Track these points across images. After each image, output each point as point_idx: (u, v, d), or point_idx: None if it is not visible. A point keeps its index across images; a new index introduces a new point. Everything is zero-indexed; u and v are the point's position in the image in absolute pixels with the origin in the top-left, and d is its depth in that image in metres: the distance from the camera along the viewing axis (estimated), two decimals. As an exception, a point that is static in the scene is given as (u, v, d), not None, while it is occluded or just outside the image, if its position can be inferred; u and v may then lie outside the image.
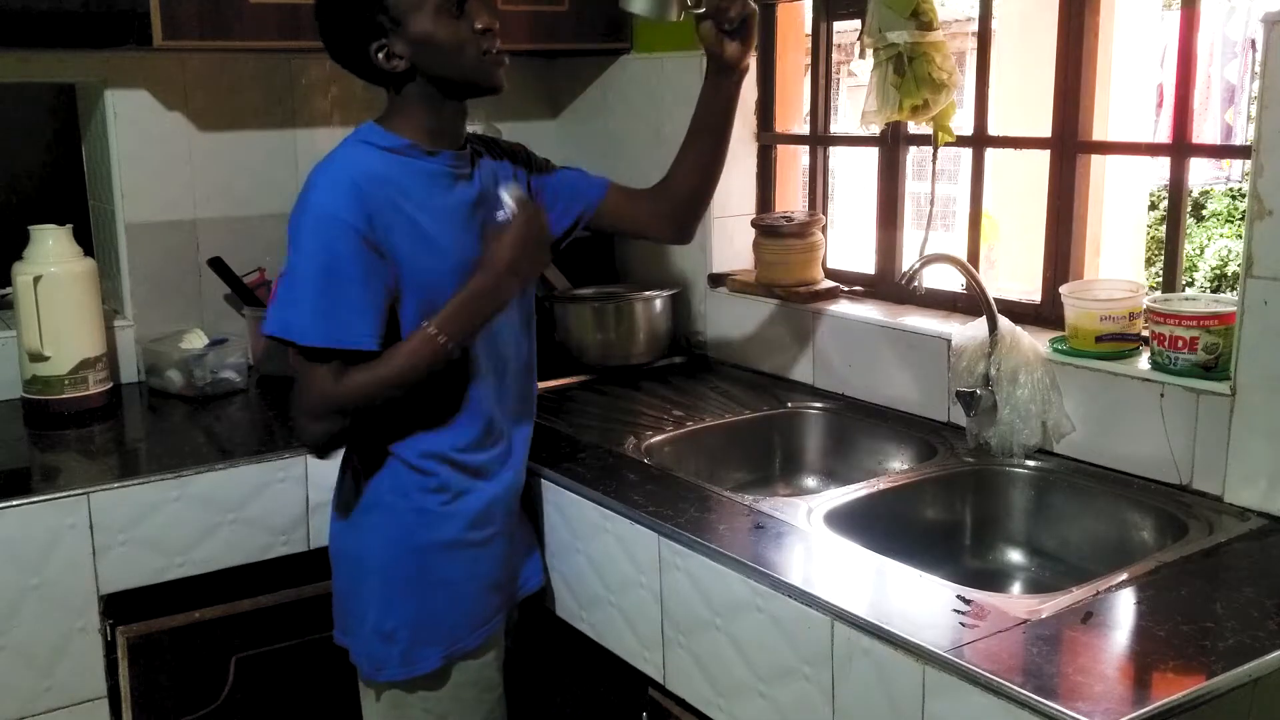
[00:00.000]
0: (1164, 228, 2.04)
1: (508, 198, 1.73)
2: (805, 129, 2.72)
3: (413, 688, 1.77)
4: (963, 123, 2.29)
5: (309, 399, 1.63)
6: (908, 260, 2.33)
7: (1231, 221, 6.93)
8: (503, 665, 1.88)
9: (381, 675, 1.77)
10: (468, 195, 1.75)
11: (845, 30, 2.74)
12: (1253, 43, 5.59)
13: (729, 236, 2.70)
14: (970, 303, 2.20)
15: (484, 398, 1.77)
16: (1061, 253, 2.14)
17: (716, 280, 2.69)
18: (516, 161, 1.89)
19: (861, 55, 2.27)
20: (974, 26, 2.35)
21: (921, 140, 2.34)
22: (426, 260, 1.67)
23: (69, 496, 1.91)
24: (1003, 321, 2.02)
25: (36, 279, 2.29)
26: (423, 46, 1.65)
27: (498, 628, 1.84)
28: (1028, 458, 1.99)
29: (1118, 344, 1.94)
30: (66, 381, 2.33)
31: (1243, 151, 1.88)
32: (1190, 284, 6.48)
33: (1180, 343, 1.81)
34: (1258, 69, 2.02)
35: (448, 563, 1.76)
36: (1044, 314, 2.15)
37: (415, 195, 1.67)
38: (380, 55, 1.65)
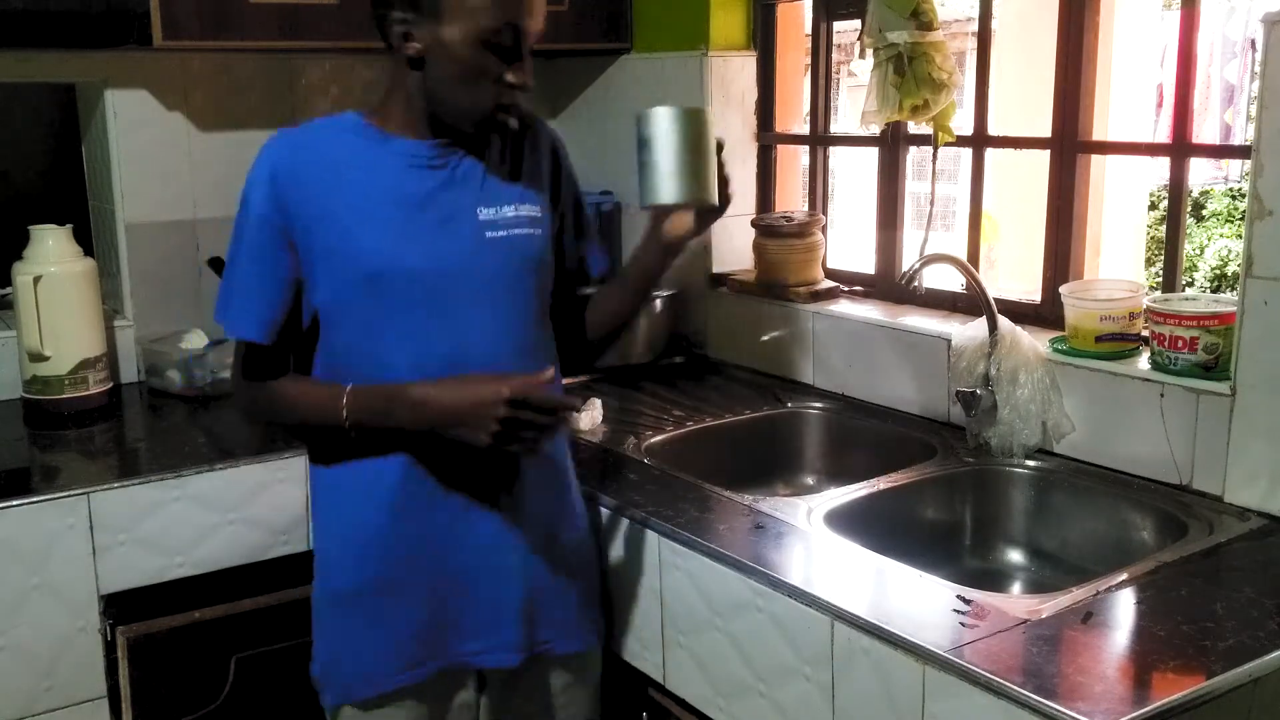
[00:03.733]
0: (1164, 228, 2.04)
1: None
2: (805, 129, 2.73)
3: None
4: (963, 123, 2.29)
5: (233, 373, 1.67)
6: (908, 260, 2.33)
7: (1231, 221, 6.93)
8: None
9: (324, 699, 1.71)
10: (435, 188, 1.56)
11: (845, 30, 2.74)
12: (1253, 43, 5.59)
13: (729, 236, 2.71)
14: (970, 303, 2.20)
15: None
16: (1061, 253, 2.14)
17: (716, 280, 2.69)
18: (551, 159, 1.70)
19: (861, 55, 2.27)
20: (974, 26, 2.35)
21: (921, 140, 2.34)
22: (340, 255, 1.54)
23: (69, 496, 1.90)
24: (1003, 321, 2.02)
25: (36, 279, 2.29)
26: (442, 54, 1.50)
27: (403, 686, 1.63)
28: (1028, 458, 1.99)
29: (1118, 344, 1.94)
30: (66, 381, 2.33)
31: (1242, 151, 1.88)
32: (1190, 284, 6.47)
33: (1180, 343, 1.81)
34: (1258, 69, 2.02)
35: (345, 610, 1.64)
36: (1044, 314, 2.15)
37: (351, 177, 1.54)
38: (398, 28, 1.50)
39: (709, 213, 1.67)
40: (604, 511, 1.85)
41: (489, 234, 1.59)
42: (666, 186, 1.54)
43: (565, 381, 2.53)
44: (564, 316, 1.76)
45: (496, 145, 1.63)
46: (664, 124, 1.52)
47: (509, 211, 1.60)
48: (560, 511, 1.72)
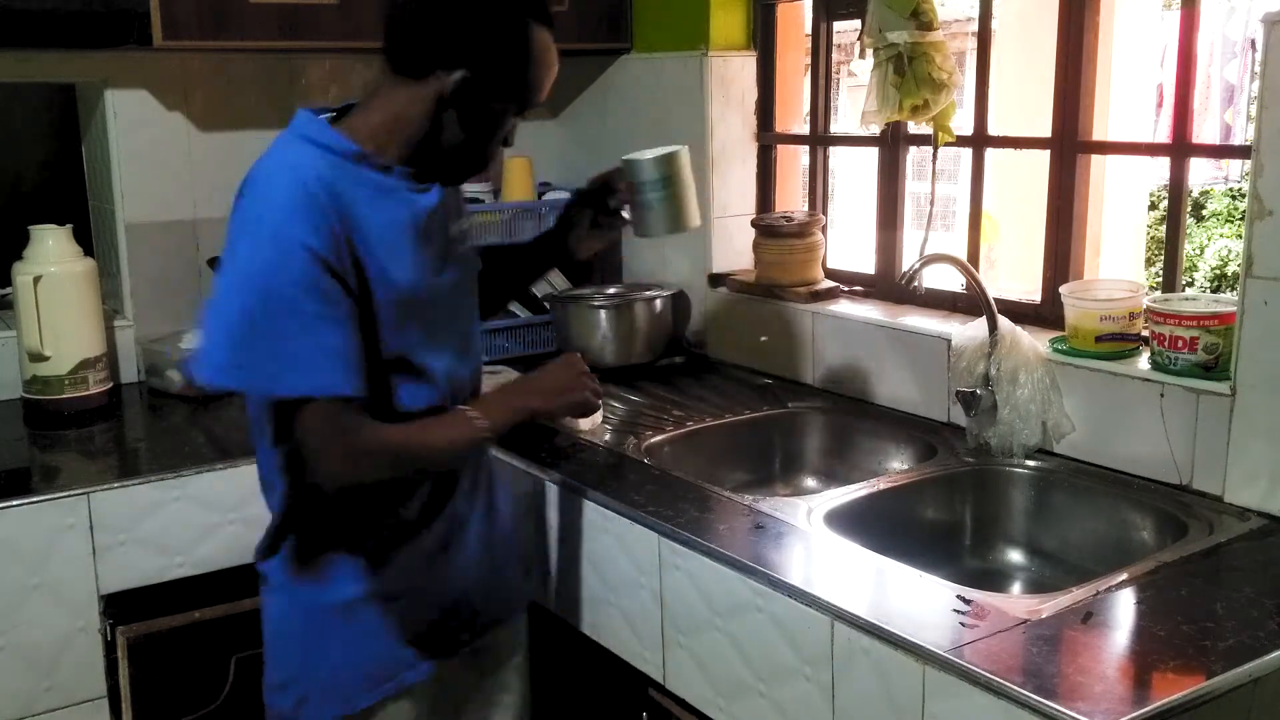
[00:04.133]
0: (1164, 228, 2.04)
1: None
2: (805, 129, 2.73)
3: None
4: (963, 123, 2.29)
5: (318, 446, 1.47)
6: (908, 260, 2.33)
7: (1231, 221, 6.93)
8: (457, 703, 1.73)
9: None
10: (427, 201, 1.55)
11: (845, 30, 2.74)
12: (1253, 43, 5.59)
13: (729, 236, 2.71)
14: (970, 303, 2.20)
15: None
16: (1061, 253, 2.14)
17: (716, 280, 2.69)
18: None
19: (861, 55, 2.27)
20: (974, 26, 2.35)
21: (921, 140, 2.34)
22: (383, 286, 1.49)
23: (69, 496, 1.91)
24: (1003, 321, 2.02)
25: (36, 279, 2.29)
26: (476, 115, 1.51)
27: (409, 686, 1.62)
28: (1028, 458, 1.99)
29: (1118, 344, 1.94)
30: (66, 381, 2.33)
31: (1242, 151, 1.88)
32: (1190, 284, 6.47)
33: (1180, 343, 1.81)
34: (1258, 69, 2.02)
35: (341, 621, 1.59)
36: (1044, 314, 2.15)
37: (368, 216, 1.48)
38: (455, 86, 1.48)
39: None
40: (604, 511, 1.85)
41: (460, 248, 1.67)
42: (658, 224, 1.75)
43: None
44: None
45: None
46: (648, 173, 1.71)
47: (464, 225, 1.70)
48: (506, 495, 1.83)
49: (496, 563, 1.74)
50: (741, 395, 2.44)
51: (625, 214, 1.78)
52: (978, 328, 2.06)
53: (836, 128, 2.72)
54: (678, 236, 2.74)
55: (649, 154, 1.72)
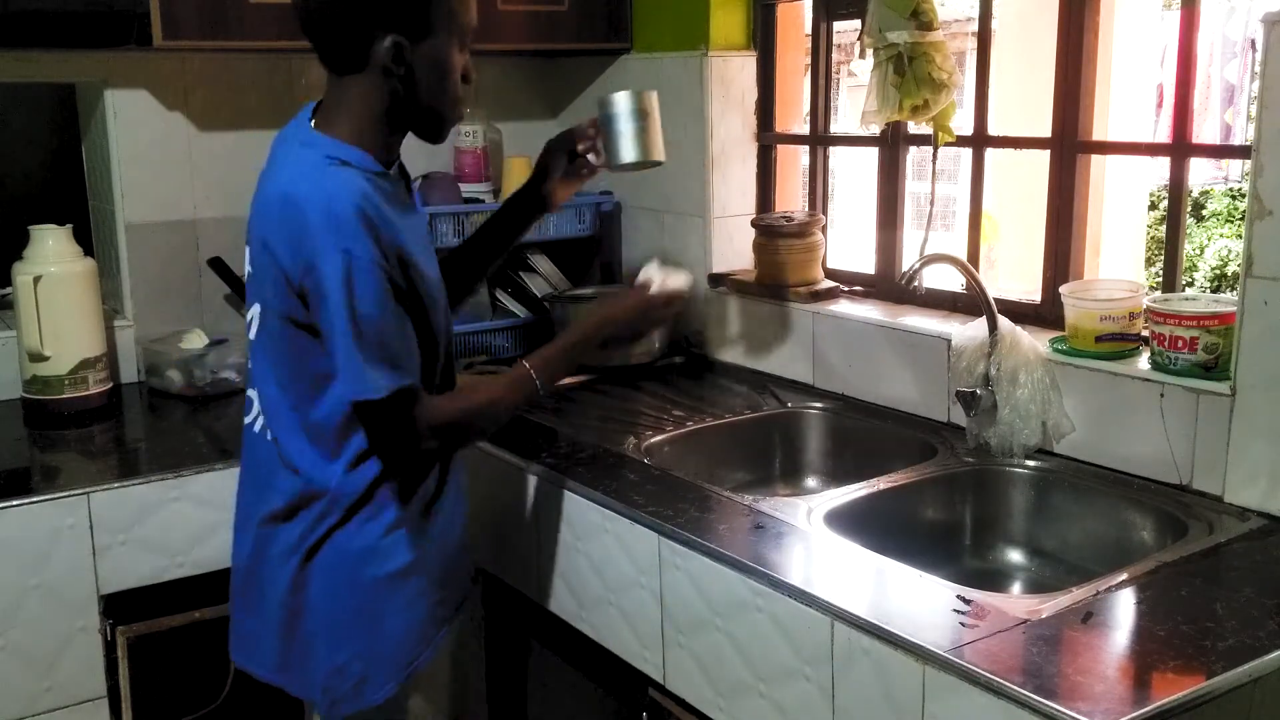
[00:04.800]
0: (1164, 228, 2.04)
1: (653, 269, 1.85)
2: (805, 129, 2.73)
3: (367, 716, 1.69)
4: (963, 123, 2.29)
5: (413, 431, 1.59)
6: (908, 260, 2.33)
7: (1231, 221, 6.93)
8: (460, 645, 1.88)
9: (336, 712, 1.68)
10: (421, 212, 1.75)
11: (845, 30, 2.74)
12: (1253, 43, 5.59)
13: (729, 236, 2.71)
14: (970, 303, 2.20)
15: None
16: (1061, 253, 2.14)
17: (716, 280, 2.69)
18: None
19: (861, 55, 2.27)
20: (974, 26, 2.35)
21: (921, 140, 2.34)
22: (420, 282, 1.63)
23: (69, 496, 1.91)
24: (1003, 321, 2.02)
25: (36, 279, 2.29)
26: (428, 65, 1.58)
27: (438, 643, 1.74)
28: (1028, 458, 1.99)
29: (1118, 344, 1.94)
30: (66, 381, 2.33)
31: (1243, 151, 1.88)
32: (1190, 284, 6.47)
33: (1180, 343, 1.81)
34: (1258, 69, 2.02)
35: (401, 588, 1.67)
36: (1044, 314, 2.15)
37: (397, 220, 1.58)
38: (390, 52, 1.54)
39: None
40: (604, 511, 1.85)
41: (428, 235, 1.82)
42: (628, 152, 1.87)
43: (566, 381, 2.54)
44: None
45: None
46: (622, 104, 1.87)
47: (426, 213, 1.86)
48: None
49: (466, 520, 1.84)
50: (741, 395, 2.44)
51: (592, 157, 1.91)
52: (978, 328, 2.06)
53: (836, 128, 2.72)
54: (677, 236, 2.74)
55: (622, 91, 1.91)
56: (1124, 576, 1.53)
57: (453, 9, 1.58)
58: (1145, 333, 1.92)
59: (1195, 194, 6.83)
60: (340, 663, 1.65)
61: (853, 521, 1.79)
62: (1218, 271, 6.71)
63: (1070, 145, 2.10)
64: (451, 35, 1.59)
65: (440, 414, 1.62)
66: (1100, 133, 2.12)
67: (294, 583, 1.66)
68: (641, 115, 1.87)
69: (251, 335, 1.65)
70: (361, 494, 1.63)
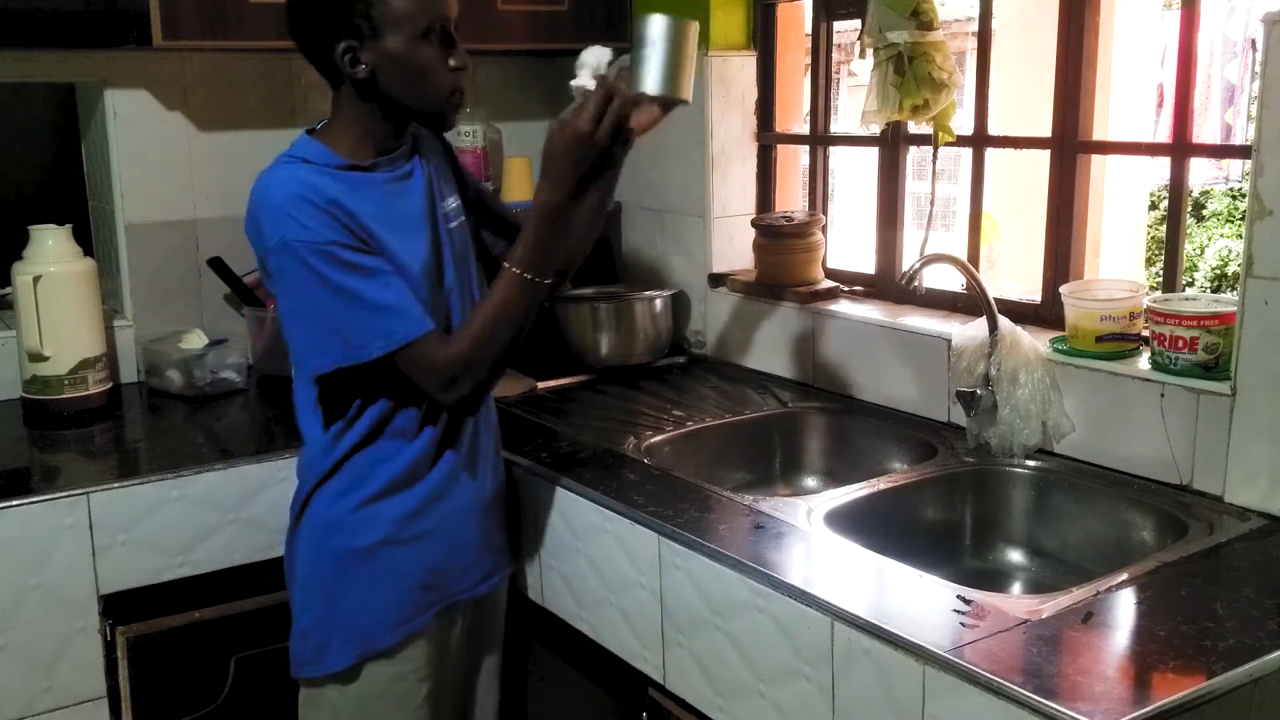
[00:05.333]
0: (1164, 228, 2.04)
1: (583, 75, 1.68)
2: (805, 129, 2.73)
3: (324, 685, 1.77)
4: (963, 123, 2.29)
5: (440, 372, 1.65)
6: (908, 260, 2.33)
7: (1231, 221, 6.93)
8: (444, 676, 1.84)
9: (298, 672, 1.79)
10: (416, 186, 1.73)
11: (845, 30, 2.74)
12: (1253, 43, 5.59)
13: (729, 236, 2.71)
14: (970, 303, 2.20)
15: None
16: (1061, 253, 2.14)
17: (716, 280, 2.69)
18: (447, 155, 1.88)
19: (861, 55, 2.27)
20: (974, 26, 2.35)
21: (921, 140, 2.34)
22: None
23: (69, 496, 1.90)
24: (1003, 321, 2.02)
25: (36, 279, 2.29)
26: (392, 64, 1.63)
27: (423, 627, 1.77)
28: (1028, 458, 1.99)
29: (1118, 344, 1.94)
30: (66, 381, 2.33)
31: (1243, 151, 1.88)
32: (1190, 284, 6.47)
33: (1180, 343, 1.81)
34: (1258, 69, 2.02)
35: (365, 563, 1.73)
36: (1044, 314, 2.15)
37: (365, 209, 1.63)
38: (346, 57, 1.63)
39: (669, 108, 1.76)
40: (604, 511, 1.85)
41: (451, 225, 1.79)
42: (654, 79, 1.71)
43: (566, 381, 2.55)
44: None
45: (419, 150, 1.78)
46: (658, 28, 1.71)
47: (452, 204, 1.80)
48: (499, 459, 1.92)
49: (486, 525, 1.87)
50: (741, 395, 2.44)
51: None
52: (978, 328, 2.06)
53: (836, 128, 2.72)
54: (677, 236, 2.74)
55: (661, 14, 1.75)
56: (1124, 576, 1.53)
57: (392, 6, 1.61)
58: (1145, 333, 1.92)
59: (1195, 194, 6.83)
60: (304, 626, 1.76)
61: (853, 521, 1.79)
62: (1218, 271, 6.71)
63: (1070, 145, 2.10)
64: (402, 29, 1.62)
65: (444, 357, 1.63)
66: (1100, 133, 2.12)
67: (288, 546, 1.81)
68: (677, 47, 1.74)
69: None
70: (332, 468, 1.73)
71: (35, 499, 1.89)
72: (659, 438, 2.18)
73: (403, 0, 1.61)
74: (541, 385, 2.51)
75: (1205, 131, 5.66)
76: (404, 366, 1.64)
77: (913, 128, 2.36)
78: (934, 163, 2.29)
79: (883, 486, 1.92)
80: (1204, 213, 7.10)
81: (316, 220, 1.58)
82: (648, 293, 2.67)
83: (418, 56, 1.63)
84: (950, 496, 2.00)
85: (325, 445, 1.73)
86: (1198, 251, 6.84)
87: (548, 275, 1.67)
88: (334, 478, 1.73)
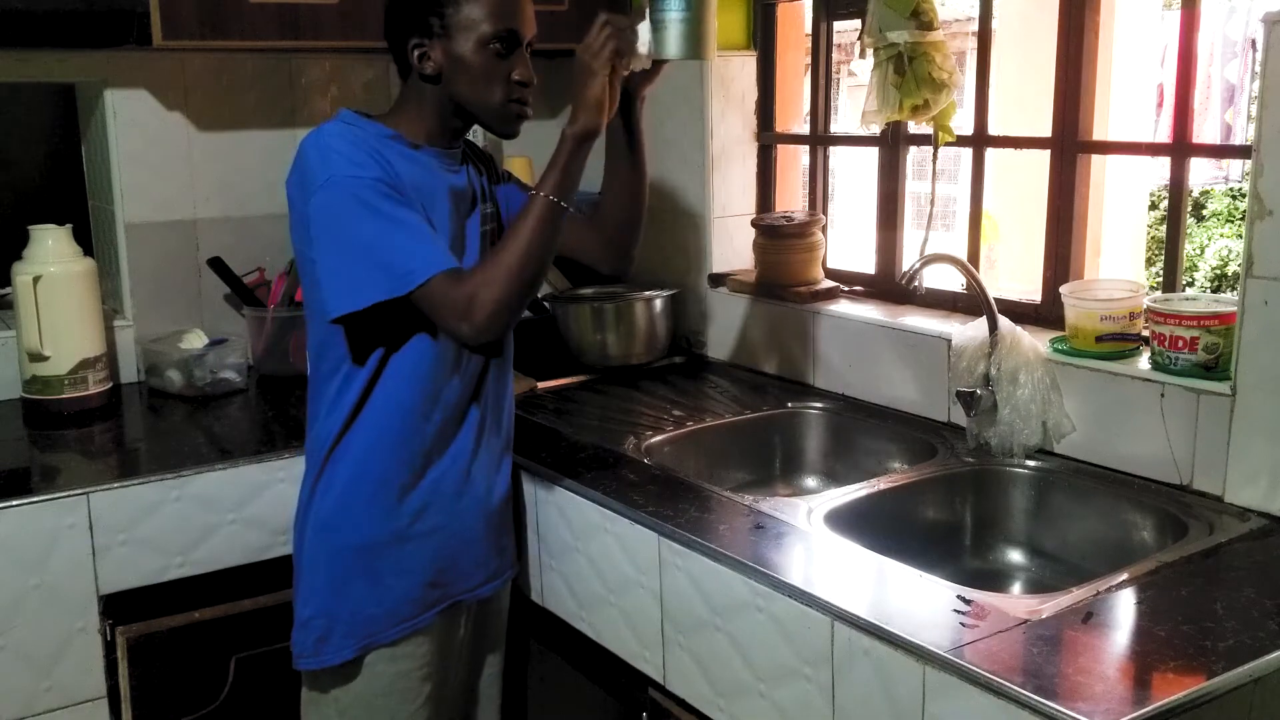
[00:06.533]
0: (1164, 228, 2.04)
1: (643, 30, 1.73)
2: (805, 129, 2.72)
3: (327, 684, 1.79)
4: (963, 123, 2.29)
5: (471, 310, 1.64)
6: (908, 260, 2.33)
7: (1231, 221, 6.93)
8: (446, 675, 1.86)
9: (298, 664, 1.80)
10: (458, 182, 1.79)
11: (845, 30, 2.74)
12: (1253, 43, 5.59)
13: (729, 236, 2.71)
14: (970, 303, 2.20)
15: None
16: (1061, 253, 2.14)
17: (716, 280, 2.69)
18: (489, 168, 1.93)
19: (861, 55, 2.27)
20: (974, 26, 2.35)
21: (921, 140, 2.34)
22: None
23: (69, 496, 1.90)
24: (1003, 321, 2.02)
25: (36, 279, 2.29)
26: (456, 65, 1.71)
27: (427, 625, 1.80)
28: (1028, 458, 1.99)
29: (1118, 344, 1.94)
30: (66, 381, 2.33)
31: (1243, 151, 1.88)
32: (1190, 284, 6.47)
33: (1180, 343, 1.81)
34: (1258, 69, 2.02)
35: (373, 557, 1.76)
36: (1044, 314, 2.15)
37: (407, 174, 1.69)
38: (416, 53, 1.71)
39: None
40: (604, 511, 1.85)
41: (483, 227, 1.83)
42: (675, 43, 1.75)
43: (566, 381, 2.55)
44: (586, 235, 1.97)
45: (471, 161, 1.86)
46: None
47: (488, 210, 1.86)
48: (509, 462, 1.94)
49: (494, 526, 1.88)
50: (741, 395, 2.44)
51: (641, 47, 1.76)
52: (978, 328, 2.06)
53: (836, 128, 2.72)
54: (677, 236, 2.75)
55: None
56: (1124, 576, 1.53)
57: (465, 12, 1.69)
58: (1145, 333, 1.92)
59: (1195, 194, 6.83)
60: (306, 617, 1.79)
61: (853, 521, 1.79)
62: (1218, 271, 6.72)
63: (1070, 145, 2.10)
64: (470, 35, 1.69)
65: (473, 285, 1.63)
66: (1100, 133, 2.12)
67: (297, 533, 1.83)
68: (699, 4, 1.75)
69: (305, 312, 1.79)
70: (317, 463, 1.77)
71: (35, 499, 1.89)
72: (659, 438, 2.18)
73: (476, 8, 1.69)
74: (541, 385, 2.51)
75: (1205, 131, 5.65)
76: (437, 298, 1.62)
77: (913, 128, 2.36)
78: (934, 163, 2.28)
79: (883, 486, 1.92)
80: (1204, 213, 7.10)
81: (365, 160, 1.64)
82: (648, 293, 2.67)
83: (480, 63, 1.70)
84: (950, 496, 2.00)
85: (313, 439, 1.77)
86: (1198, 251, 6.84)
87: (571, 202, 1.72)
88: (321, 476, 1.76)
